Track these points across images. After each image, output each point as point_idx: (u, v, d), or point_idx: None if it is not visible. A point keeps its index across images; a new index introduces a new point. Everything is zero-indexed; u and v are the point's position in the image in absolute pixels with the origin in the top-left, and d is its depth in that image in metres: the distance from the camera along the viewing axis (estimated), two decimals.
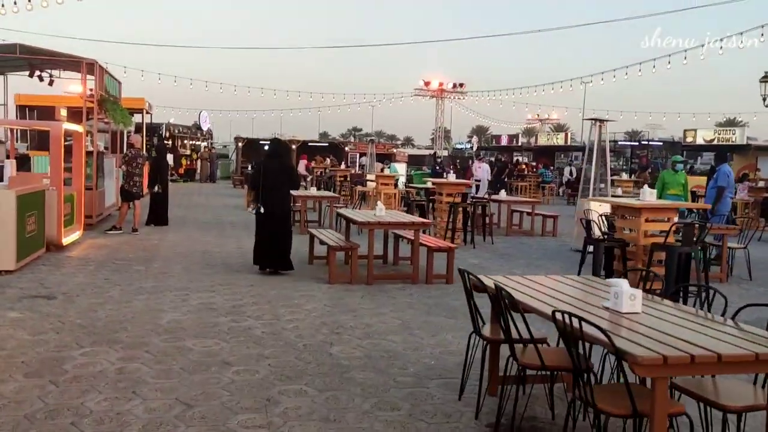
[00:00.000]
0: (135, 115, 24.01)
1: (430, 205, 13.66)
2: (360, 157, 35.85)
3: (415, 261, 8.34)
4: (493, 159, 33.88)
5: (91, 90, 12.71)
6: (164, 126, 32.03)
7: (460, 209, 12.09)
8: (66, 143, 11.60)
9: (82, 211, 11.01)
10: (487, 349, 4.26)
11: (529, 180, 27.08)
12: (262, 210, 8.34)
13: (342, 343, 5.63)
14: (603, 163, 12.22)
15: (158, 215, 13.60)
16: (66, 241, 9.89)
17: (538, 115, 49.13)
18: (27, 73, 14.20)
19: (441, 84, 39.81)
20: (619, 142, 33.29)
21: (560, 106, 43.73)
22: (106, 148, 15.54)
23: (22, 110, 20.13)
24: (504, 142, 39.31)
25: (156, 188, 13.28)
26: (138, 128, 23.60)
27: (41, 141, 15.36)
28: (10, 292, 7.01)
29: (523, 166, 35.91)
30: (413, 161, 38.83)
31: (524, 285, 4.26)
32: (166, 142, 32.16)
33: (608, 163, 12.55)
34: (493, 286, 3.87)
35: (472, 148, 40.79)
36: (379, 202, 9.24)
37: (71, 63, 12.68)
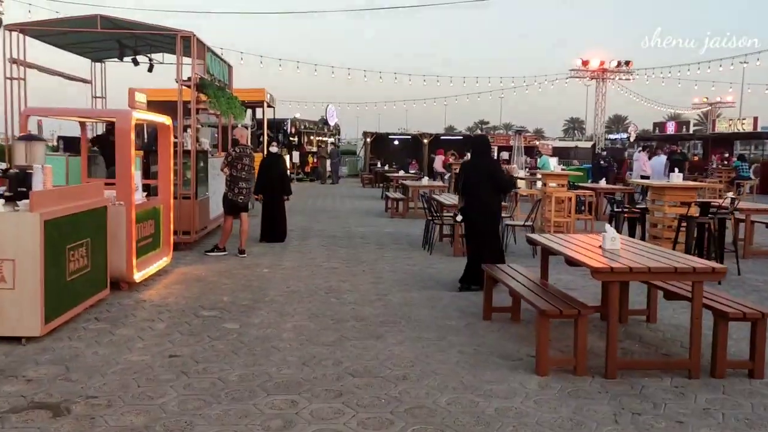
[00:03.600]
0: (255, 109, 21.88)
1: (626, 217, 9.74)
2: (499, 151, 31.97)
3: (696, 338, 4.62)
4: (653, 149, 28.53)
5: (197, 74, 10.05)
6: (289, 121, 29.89)
7: (695, 225, 8.13)
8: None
9: (171, 228, 8.28)
10: None
11: (720, 175, 21.94)
12: (459, 218, 7.60)
13: None
14: None
15: (273, 229, 10.77)
16: (141, 275, 7.12)
17: (706, 98, 42.20)
18: (128, 58, 11.88)
19: (602, 63, 34.43)
20: None
21: (705, 81, 36.97)
22: (214, 146, 12.98)
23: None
24: (671, 130, 33.62)
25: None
26: (259, 124, 21.38)
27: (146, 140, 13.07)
28: (2, 391, 4.14)
29: (696, 158, 30.49)
30: (557, 154, 34.39)
31: None
32: (291, 138, 30.09)
33: None
34: None
35: (628, 138, 35.44)
36: (608, 226, 5.56)
37: (163, 39, 10.08)
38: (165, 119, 8.07)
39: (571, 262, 5.10)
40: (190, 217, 9.76)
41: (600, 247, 5.39)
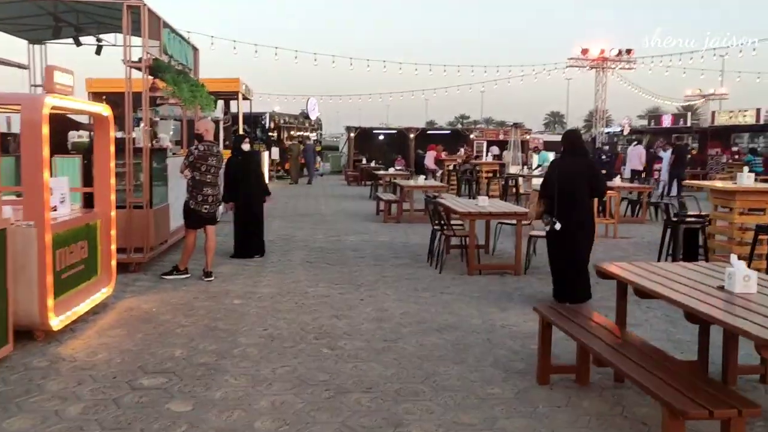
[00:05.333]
0: (230, 101, 19.98)
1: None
2: (489, 145, 30.29)
3: None
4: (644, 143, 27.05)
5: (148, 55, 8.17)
6: (268, 115, 27.88)
7: None
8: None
9: (112, 249, 6.41)
10: None
11: (731, 171, 20.45)
12: (558, 226, 6.27)
13: None
14: None
15: (249, 241, 8.97)
16: (63, 319, 5.26)
17: (699, 90, 40.79)
18: (67, 38, 9.94)
19: (602, 51, 32.58)
20: None
21: (713, 70, 35.63)
22: (177, 142, 11.07)
23: (97, 99, 16.38)
24: (667, 123, 32.17)
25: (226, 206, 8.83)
26: (234, 118, 19.44)
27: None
28: None
29: (693, 152, 29.09)
30: (548, 149, 32.85)
31: None
32: (270, 134, 28.06)
33: None
34: None
35: (621, 131, 33.94)
36: (735, 259, 3.81)
37: (111, 14, 8.18)
38: (101, 108, 6.20)
39: (695, 316, 3.35)
40: (143, 231, 7.89)
41: (721, 287, 3.67)
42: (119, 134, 8.47)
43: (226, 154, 10.38)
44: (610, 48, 32.66)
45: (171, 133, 11.31)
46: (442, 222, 8.57)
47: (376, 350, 5.04)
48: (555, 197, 6.35)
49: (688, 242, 7.26)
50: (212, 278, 7.46)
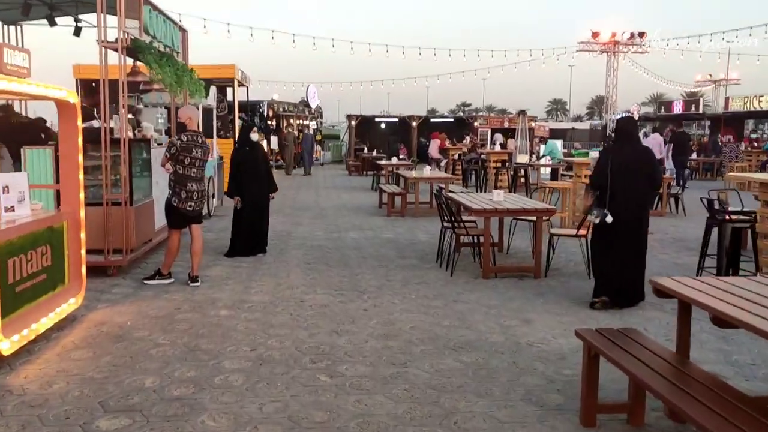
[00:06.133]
0: (226, 89, 19.10)
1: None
2: (493, 133, 29.45)
3: None
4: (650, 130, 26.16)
5: (125, 34, 7.36)
6: (266, 103, 26.99)
7: None
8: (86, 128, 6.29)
9: (82, 254, 5.64)
10: None
11: (749, 159, 19.59)
12: (609, 219, 5.67)
13: None
14: None
15: (251, 239, 8.25)
16: (16, 341, 4.49)
17: (710, 75, 39.76)
18: (42, 18, 9.11)
19: (614, 35, 31.57)
20: None
21: (731, 53, 34.74)
22: (166, 132, 10.25)
23: (85, 85, 15.55)
24: (678, 109, 31.22)
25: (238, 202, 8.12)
26: (230, 107, 18.58)
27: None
28: None
29: (705, 140, 28.26)
30: (554, 137, 32.05)
31: None
32: (269, 122, 27.19)
33: None
34: None
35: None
36: None
37: None
38: (67, 95, 5.39)
39: None
40: (122, 229, 7.11)
41: None
42: (96, 123, 7.71)
43: (223, 143, 9.56)
44: (621, 31, 31.55)
45: (160, 121, 10.48)
46: (453, 219, 7.79)
47: (383, 378, 4.26)
48: (606, 189, 5.78)
49: (735, 245, 6.46)
50: (198, 283, 6.69)
